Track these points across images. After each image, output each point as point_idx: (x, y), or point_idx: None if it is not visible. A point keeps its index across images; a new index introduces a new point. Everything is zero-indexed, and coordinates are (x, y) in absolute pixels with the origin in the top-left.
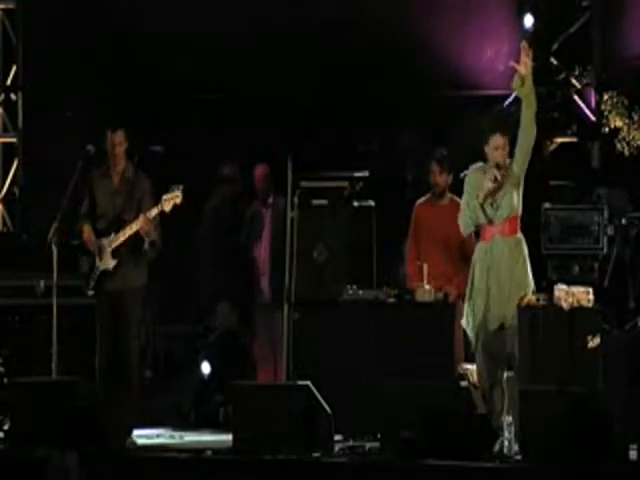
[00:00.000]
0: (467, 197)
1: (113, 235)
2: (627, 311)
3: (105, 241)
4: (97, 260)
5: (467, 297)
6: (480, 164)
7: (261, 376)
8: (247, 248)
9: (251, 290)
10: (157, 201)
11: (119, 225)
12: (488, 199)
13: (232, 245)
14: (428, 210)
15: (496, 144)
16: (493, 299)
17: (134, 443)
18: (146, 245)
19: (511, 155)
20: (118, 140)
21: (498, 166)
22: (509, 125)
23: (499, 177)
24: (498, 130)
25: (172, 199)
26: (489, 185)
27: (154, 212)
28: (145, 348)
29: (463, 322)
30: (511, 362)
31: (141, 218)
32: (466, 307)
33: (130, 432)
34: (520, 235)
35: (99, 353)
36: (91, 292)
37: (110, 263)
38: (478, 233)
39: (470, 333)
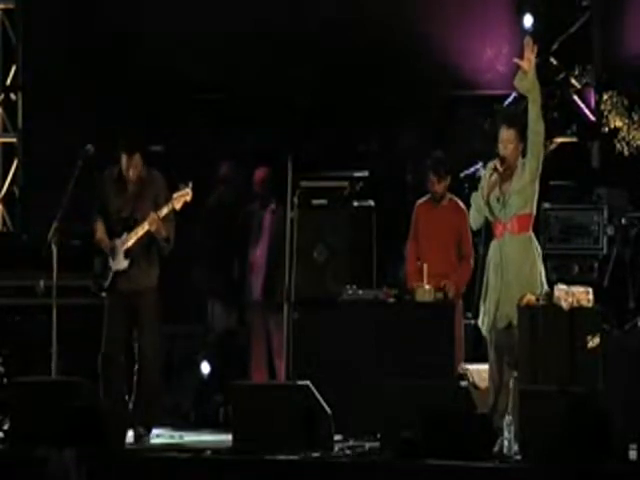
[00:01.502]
0: (475, 192)
1: (125, 235)
2: (627, 311)
3: (118, 241)
4: (110, 260)
5: (482, 296)
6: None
7: (255, 376)
8: (242, 247)
9: (246, 290)
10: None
11: (131, 225)
12: (493, 192)
13: (227, 246)
14: (428, 210)
15: (501, 136)
16: (503, 297)
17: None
18: (160, 242)
19: (524, 155)
20: (134, 164)
21: (502, 159)
22: (516, 118)
23: (499, 168)
24: (504, 122)
25: (182, 196)
26: (489, 177)
27: (165, 211)
28: None
29: (479, 322)
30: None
31: (151, 217)
32: (481, 306)
33: (149, 432)
34: (531, 234)
35: (104, 350)
36: (103, 293)
37: (123, 263)
38: (480, 231)
39: (485, 333)
